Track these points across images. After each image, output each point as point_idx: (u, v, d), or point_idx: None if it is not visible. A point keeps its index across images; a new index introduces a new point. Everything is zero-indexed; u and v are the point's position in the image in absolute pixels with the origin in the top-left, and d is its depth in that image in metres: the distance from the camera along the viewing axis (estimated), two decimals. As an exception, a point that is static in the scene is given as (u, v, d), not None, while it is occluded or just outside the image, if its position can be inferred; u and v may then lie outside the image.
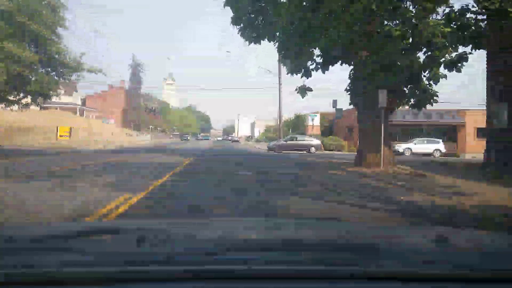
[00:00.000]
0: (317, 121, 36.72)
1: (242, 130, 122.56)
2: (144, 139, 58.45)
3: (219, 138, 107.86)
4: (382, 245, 1.54)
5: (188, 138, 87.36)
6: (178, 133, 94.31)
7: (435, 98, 13.84)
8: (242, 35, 15.61)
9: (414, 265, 1.23)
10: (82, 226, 2.38)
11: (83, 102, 69.37)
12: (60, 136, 32.96)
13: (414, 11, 12.11)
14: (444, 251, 1.47)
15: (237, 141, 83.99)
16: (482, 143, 15.86)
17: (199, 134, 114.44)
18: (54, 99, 23.65)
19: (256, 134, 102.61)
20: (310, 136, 32.77)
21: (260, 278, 1.11)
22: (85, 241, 1.51)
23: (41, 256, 1.24)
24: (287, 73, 15.77)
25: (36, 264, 1.14)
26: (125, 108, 68.69)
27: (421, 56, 13.09)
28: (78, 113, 57.82)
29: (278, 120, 37.11)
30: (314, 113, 37.08)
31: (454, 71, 12.18)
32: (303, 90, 15.29)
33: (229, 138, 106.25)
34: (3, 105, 21.81)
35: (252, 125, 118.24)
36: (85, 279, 1.08)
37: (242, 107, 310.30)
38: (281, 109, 36.09)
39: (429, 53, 12.52)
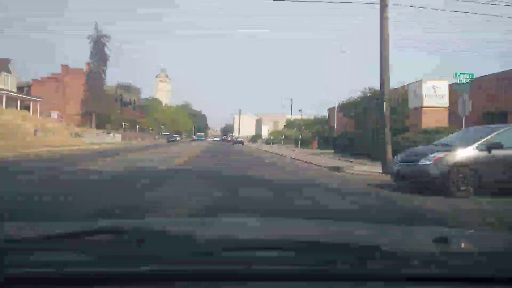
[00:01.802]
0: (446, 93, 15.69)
1: (244, 129, 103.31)
2: (104, 141, 38.73)
3: (216, 139, 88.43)
4: (382, 245, 1.49)
5: (178, 139, 69.09)
6: (168, 133, 78.41)
7: None
8: None
9: (414, 265, 1.20)
10: (82, 226, 2.04)
11: (28, 90, 49.53)
12: None
13: None
14: (444, 251, 1.47)
15: (240, 142, 64.46)
16: None
17: (194, 134, 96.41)
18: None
19: (264, 134, 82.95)
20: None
21: (261, 278, 1.09)
22: (85, 241, 1.45)
23: (41, 256, 1.23)
24: None
25: (36, 264, 1.13)
26: (83, 98, 47.89)
27: None
28: (4, 103, 37.97)
29: (383, 78, 12.72)
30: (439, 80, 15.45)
31: None
32: None
33: (229, 138, 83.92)
34: None
35: (258, 122, 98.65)
36: (85, 279, 1.06)
37: (243, 102, 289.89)
38: (386, 44, 12.92)
39: None
